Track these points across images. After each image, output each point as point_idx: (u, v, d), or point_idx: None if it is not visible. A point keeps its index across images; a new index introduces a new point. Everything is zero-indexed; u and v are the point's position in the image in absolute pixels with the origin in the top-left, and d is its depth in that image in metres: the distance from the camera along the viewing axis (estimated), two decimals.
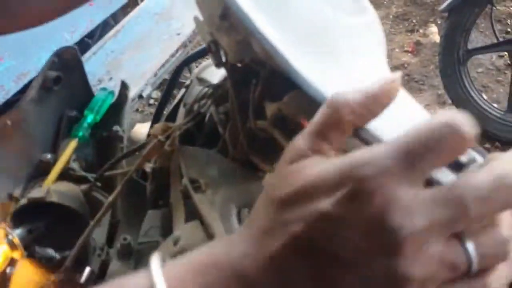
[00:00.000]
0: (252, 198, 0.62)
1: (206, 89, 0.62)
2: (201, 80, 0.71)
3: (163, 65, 2.35)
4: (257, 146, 0.52)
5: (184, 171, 0.56)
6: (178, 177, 0.59)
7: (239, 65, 0.50)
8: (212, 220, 0.52)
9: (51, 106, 0.85)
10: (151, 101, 2.43)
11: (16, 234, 0.64)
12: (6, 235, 0.64)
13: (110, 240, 0.78)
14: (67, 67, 0.85)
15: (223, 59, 0.49)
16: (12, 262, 0.67)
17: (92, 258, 0.74)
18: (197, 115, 0.63)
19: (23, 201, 0.66)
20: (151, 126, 0.96)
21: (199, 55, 0.82)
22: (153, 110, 2.60)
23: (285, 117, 0.41)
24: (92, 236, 0.71)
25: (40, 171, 0.84)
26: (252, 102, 0.48)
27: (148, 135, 0.73)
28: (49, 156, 0.85)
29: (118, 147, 0.85)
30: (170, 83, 0.85)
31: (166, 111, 0.98)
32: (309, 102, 0.38)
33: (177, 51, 2.42)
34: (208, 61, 0.78)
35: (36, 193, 0.66)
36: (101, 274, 0.72)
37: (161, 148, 0.59)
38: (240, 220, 0.59)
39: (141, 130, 1.54)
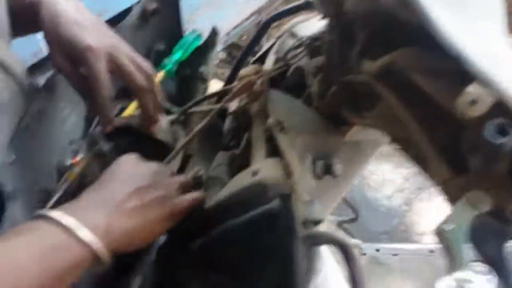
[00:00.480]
0: (329, 150, 0.65)
1: (300, 41, 0.65)
2: (292, 34, 0.73)
3: (236, 27, 2.39)
4: (349, 99, 0.54)
5: (271, 111, 0.60)
6: (262, 117, 0.63)
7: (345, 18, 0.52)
8: (292, 159, 0.55)
9: (144, 36, 0.90)
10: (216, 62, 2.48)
11: (105, 146, 0.70)
12: (96, 143, 0.70)
13: (181, 171, 0.83)
14: (164, 1, 0.89)
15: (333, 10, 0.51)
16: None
17: None
18: (286, 64, 0.66)
19: (120, 120, 0.72)
20: (228, 78, 1.01)
21: (288, 13, 0.85)
22: (218, 70, 2.66)
23: (393, 72, 0.43)
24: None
25: (125, 92, 0.89)
26: (354, 56, 0.50)
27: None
28: None
29: (200, 88, 0.89)
30: (256, 37, 0.88)
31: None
32: (424, 59, 0.40)
33: (251, 15, 2.45)
34: (300, 17, 0.80)
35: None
36: None
37: (251, 88, 0.62)
38: (314, 170, 0.62)
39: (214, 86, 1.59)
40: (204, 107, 0.78)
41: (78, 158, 0.72)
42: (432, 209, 2.29)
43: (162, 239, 0.66)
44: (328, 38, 0.57)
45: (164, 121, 0.76)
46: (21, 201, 0.58)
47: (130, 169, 0.58)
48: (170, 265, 0.68)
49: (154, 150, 0.74)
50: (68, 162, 0.76)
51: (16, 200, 0.56)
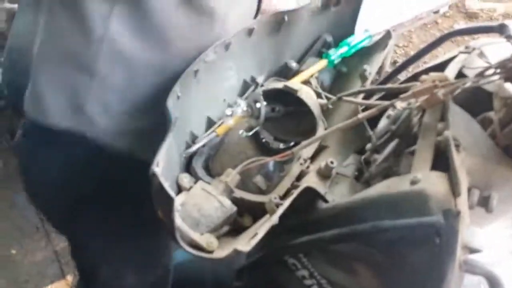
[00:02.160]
0: (492, 182, 0.61)
1: (498, 62, 0.61)
2: (482, 54, 0.70)
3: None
4: None
5: (450, 125, 0.57)
6: (433, 128, 0.60)
7: None
8: (463, 180, 0.52)
9: (317, 24, 0.91)
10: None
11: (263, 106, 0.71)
12: (256, 102, 0.71)
13: (312, 158, 0.83)
14: None
15: None
16: None
17: (292, 164, 0.79)
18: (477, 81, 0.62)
19: (278, 85, 0.73)
20: (385, 79, 0.99)
21: (475, 31, 0.81)
22: None
23: None
24: None
25: (283, 73, 0.91)
26: None
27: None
28: (294, 64, 0.91)
29: (357, 85, 0.88)
30: (431, 46, 0.85)
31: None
32: None
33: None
34: (489, 39, 0.76)
35: (291, 84, 0.72)
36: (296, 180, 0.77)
37: (432, 93, 0.60)
38: (468, 197, 0.59)
39: None
40: (358, 100, 0.76)
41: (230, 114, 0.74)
42: None
43: None
44: None
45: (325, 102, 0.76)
46: (175, 132, 0.61)
47: None
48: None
49: (302, 115, 0.75)
50: (219, 117, 0.79)
51: (173, 129, 0.59)
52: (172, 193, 0.48)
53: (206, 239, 0.58)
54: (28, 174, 0.86)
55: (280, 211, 0.59)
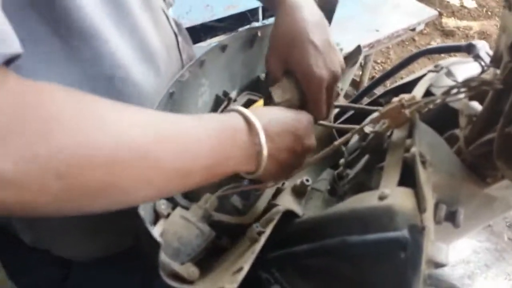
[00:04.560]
0: (459, 198, 0.62)
1: (463, 81, 0.63)
2: (449, 73, 0.72)
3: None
4: (507, 151, 0.52)
5: (416, 142, 0.58)
6: (401, 145, 0.62)
7: None
8: (429, 195, 0.54)
9: None
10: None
11: None
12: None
13: None
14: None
15: None
16: None
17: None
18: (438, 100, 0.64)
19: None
20: (356, 98, 1.00)
21: (445, 50, 0.83)
22: None
23: None
24: None
25: (256, 87, 0.92)
26: None
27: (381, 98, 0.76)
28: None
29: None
30: (403, 64, 0.87)
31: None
32: None
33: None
34: (458, 58, 0.78)
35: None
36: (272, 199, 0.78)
37: (399, 112, 0.61)
38: (435, 213, 0.60)
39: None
40: (331, 123, 0.78)
41: None
42: None
43: None
44: (498, 87, 0.55)
45: None
46: None
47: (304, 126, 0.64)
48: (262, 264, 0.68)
49: None
50: None
51: None
52: (159, 238, 0.49)
53: (187, 269, 0.57)
54: None
55: (262, 240, 0.60)
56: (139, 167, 0.40)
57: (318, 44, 0.66)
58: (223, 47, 0.79)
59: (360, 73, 2.78)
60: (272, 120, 0.59)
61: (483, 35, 3.90)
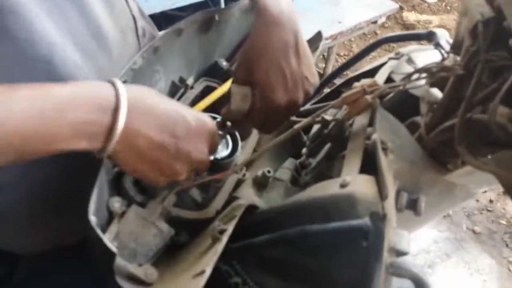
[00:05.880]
0: (420, 185, 0.62)
1: (424, 68, 0.62)
2: (410, 60, 0.71)
3: None
4: (468, 137, 0.51)
5: (377, 129, 0.57)
6: (362, 132, 0.61)
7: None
8: (390, 182, 0.53)
9: (248, 21, 0.89)
10: None
11: None
12: None
13: (249, 164, 0.82)
14: None
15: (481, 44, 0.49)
16: None
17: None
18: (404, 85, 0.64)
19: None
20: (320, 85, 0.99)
21: (405, 38, 0.83)
22: None
23: None
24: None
25: (213, 72, 0.89)
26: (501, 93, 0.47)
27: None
28: (224, 63, 0.90)
29: None
30: (363, 53, 0.86)
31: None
32: None
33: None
34: (418, 46, 0.78)
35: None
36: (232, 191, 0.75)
37: (362, 97, 0.60)
38: (397, 200, 0.59)
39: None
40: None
41: None
42: (454, 279, 2.21)
43: None
44: (459, 73, 0.54)
45: None
46: None
47: (191, 125, 0.58)
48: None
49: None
50: None
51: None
52: (113, 247, 0.46)
53: (145, 271, 0.54)
54: None
55: (225, 239, 0.57)
56: None
57: (286, 72, 0.63)
58: (178, 32, 0.75)
59: (323, 65, 2.79)
60: (151, 102, 0.54)
61: (442, 28, 4.00)
